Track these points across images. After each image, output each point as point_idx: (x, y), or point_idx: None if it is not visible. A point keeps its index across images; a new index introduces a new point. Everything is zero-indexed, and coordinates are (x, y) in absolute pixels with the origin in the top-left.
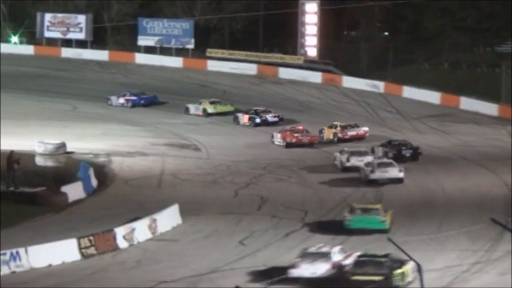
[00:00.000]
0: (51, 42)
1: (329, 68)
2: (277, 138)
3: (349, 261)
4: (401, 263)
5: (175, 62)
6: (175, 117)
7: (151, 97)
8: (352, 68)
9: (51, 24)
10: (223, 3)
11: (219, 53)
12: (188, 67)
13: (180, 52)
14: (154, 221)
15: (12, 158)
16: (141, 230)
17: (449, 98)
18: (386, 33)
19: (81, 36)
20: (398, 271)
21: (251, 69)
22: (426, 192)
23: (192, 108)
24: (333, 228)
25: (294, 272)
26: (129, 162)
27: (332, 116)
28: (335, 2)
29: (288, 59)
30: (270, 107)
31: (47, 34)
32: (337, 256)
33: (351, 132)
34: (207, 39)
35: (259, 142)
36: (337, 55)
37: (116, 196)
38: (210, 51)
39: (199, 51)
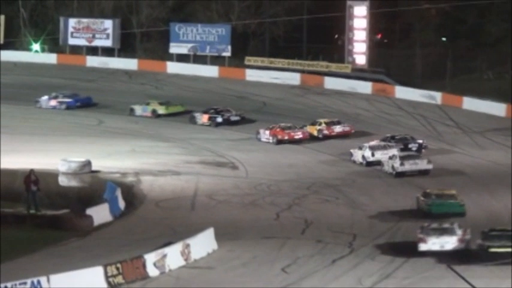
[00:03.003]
0: (76, 50)
1: (380, 77)
2: (265, 136)
3: (469, 236)
4: None
5: (210, 71)
6: (210, 132)
7: (86, 98)
8: (405, 77)
9: (76, 30)
10: (263, 7)
11: (259, 61)
12: (225, 77)
13: (216, 60)
14: (188, 246)
15: (31, 178)
16: (173, 256)
17: None
18: (444, 39)
19: (107, 43)
20: None
21: (294, 78)
22: (490, 214)
23: (139, 109)
24: (386, 252)
25: (423, 246)
26: (160, 182)
27: (383, 129)
28: (386, 4)
29: (335, 67)
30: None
31: (71, 41)
32: (459, 231)
33: (338, 129)
34: (245, 46)
35: (302, 159)
36: (389, 63)
37: (146, 219)
38: (249, 59)
39: (237, 59)
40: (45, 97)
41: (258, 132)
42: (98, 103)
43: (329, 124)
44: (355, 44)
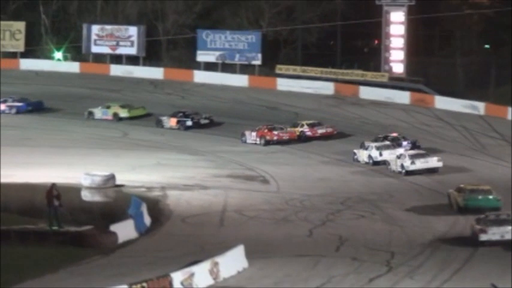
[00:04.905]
0: (99, 58)
1: (418, 86)
2: (252, 137)
3: None
4: None
5: (239, 80)
6: (240, 145)
7: (37, 102)
8: (446, 86)
9: (99, 37)
10: (295, 13)
11: (291, 69)
12: (255, 86)
13: (246, 69)
14: (217, 264)
15: (52, 193)
16: (201, 275)
17: None
18: (487, 46)
19: (132, 51)
20: None
21: (327, 88)
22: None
23: (99, 112)
24: (426, 271)
25: (483, 237)
26: (187, 196)
27: (422, 142)
28: (425, 10)
29: (370, 76)
30: (350, 131)
31: (94, 49)
32: None
33: (321, 130)
34: (276, 53)
35: (336, 173)
36: (428, 71)
37: (172, 236)
38: (280, 68)
39: (268, 68)
40: None
41: (243, 134)
42: (50, 107)
43: (311, 126)
44: (392, 52)
